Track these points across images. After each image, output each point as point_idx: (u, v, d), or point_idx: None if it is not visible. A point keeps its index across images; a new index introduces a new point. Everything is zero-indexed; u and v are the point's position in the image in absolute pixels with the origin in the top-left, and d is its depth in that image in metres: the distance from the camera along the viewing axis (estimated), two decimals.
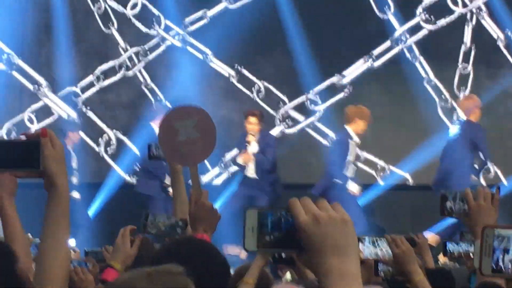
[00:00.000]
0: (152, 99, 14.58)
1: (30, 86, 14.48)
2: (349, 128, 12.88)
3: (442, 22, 14.88)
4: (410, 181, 14.57)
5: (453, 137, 13.10)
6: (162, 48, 14.82)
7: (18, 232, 4.19)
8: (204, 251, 3.68)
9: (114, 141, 14.47)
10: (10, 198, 4.17)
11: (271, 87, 14.69)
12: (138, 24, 14.71)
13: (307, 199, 2.14)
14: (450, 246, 6.50)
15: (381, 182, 14.53)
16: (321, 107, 14.73)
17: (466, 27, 14.90)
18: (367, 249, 5.14)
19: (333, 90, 14.83)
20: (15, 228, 4.18)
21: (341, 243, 2.10)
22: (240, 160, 13.23)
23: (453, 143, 13.01)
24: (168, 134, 5.34)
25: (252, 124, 13.08)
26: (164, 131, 5.40)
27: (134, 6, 14.72)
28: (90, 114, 14.62)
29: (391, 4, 14.77)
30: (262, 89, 14.70)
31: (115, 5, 14.69)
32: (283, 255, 5.44)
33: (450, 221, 12.27)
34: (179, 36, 14.74)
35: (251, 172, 13.19)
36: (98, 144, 14.52)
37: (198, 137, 5.19)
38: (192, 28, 14.80)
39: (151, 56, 14.76)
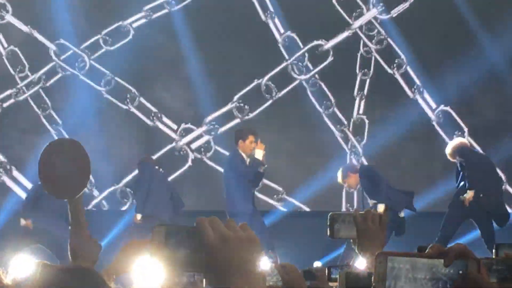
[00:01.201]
0: (49, 127, 14.41)
1: None
2: None
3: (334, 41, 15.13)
4: (306, 208, 14.66)
5: None
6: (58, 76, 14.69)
7: None
8: (87, 279, 3.57)
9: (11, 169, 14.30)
10: None
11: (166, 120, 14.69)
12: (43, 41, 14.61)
13: (215, 218, 2.10)
14: (334, 271, 6.51)
15: (281, 208, 14.58)
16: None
17: (358, 56, 15.12)
18: None
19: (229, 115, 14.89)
20: None
21: (247, 262, 2.08)
22: None
23: None
24: (47, 168, 5.30)
25: (253, 143, 12.66)
26: (43, 167, 5.34)
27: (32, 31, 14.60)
28: None
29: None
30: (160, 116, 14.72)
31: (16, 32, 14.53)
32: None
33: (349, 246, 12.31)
34: (82, 63, 14.63)
35: None
36: None
37: (74, 169, 5.18)
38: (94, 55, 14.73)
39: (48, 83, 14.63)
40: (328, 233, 4.39)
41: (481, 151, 14.83)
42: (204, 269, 2.10)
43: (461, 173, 12.59)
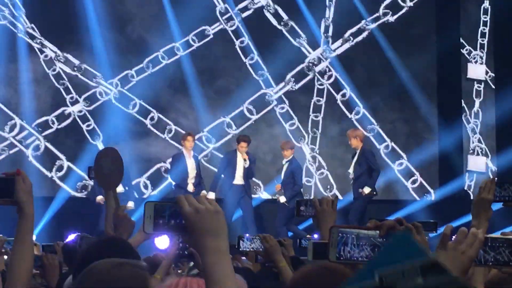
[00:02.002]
0: (89, 138, 14.34)
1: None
2: None
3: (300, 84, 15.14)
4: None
5: None
6: (100, 101, 14.60)
7: None
8: (119, 246, 3.52)
9: (64, 166, 14.18)
10: None
11: (179, 128, 14.54)
12: (84, 79, 14.50)
13: (190, 195, 2.13)
14: (303, 242, 6.47)
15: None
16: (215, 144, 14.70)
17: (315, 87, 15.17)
18: (245, 244, 5.07)
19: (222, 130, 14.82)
20: None
21: (214, 227, 2.08)
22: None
23: None
24: (98, 168, 5.44)
25: (244, 147, 12.97)
26: (96, 167, 5.49)
27: (79, 69, 14.49)
28: (48, 145, 14.26)
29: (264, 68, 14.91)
30: (173, 129, 14.59)
31: (66, 69, 14.40)
32: (185, 252, 5.35)
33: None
34: (113, 92, 14.54)
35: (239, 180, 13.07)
36: (51, 170, 14.19)
37: (113, 169, 5.28)
38: (125, 87, 14.65)
39: (92, 107, 14.54)
40: (295, 213, 4.39)
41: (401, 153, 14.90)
42: (183, 233, 2.12)
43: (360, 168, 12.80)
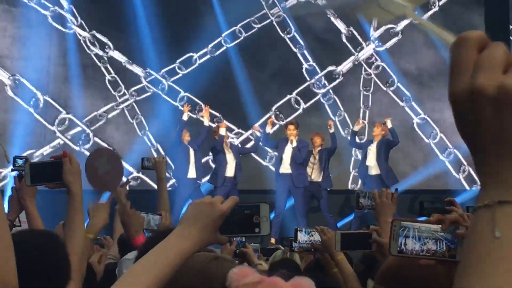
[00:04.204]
0: (138, 130, 14.45)
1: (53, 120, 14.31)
2: None
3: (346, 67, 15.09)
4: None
5: None
6: (148, 94, 14.72)
7: (39, 225, 4.13)
8: None
9: None
10: (31, 199, 4.13)
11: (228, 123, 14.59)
12: (135, 69, 14.60)
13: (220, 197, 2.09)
14: None
15: None
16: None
17: (361, 76, 15.12)
18: (304, 237, 5.06)
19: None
20: (36, 221, 4.12)
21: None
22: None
23: None
24: (91, 171, 5.27)
25: (291, 130, 12.57)
26: (88, 171, 5.32)
27: (128, 62, 14.63)
28: (96, 139, 14.42)
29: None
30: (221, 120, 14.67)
31: (114, 62, 14.52)
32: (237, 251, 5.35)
33: (357, 214, 12.31)
34: (162, 85, 14.65)
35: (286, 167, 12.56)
36: None
37: (111, 168, 5.16)
38: (171, 79, 14.74)
39: (139, 98, 14.67)
40: (355, 206, 4.40)
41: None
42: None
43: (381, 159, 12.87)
